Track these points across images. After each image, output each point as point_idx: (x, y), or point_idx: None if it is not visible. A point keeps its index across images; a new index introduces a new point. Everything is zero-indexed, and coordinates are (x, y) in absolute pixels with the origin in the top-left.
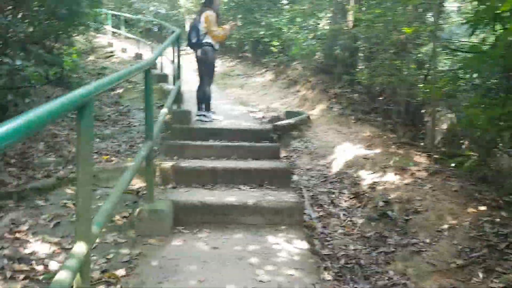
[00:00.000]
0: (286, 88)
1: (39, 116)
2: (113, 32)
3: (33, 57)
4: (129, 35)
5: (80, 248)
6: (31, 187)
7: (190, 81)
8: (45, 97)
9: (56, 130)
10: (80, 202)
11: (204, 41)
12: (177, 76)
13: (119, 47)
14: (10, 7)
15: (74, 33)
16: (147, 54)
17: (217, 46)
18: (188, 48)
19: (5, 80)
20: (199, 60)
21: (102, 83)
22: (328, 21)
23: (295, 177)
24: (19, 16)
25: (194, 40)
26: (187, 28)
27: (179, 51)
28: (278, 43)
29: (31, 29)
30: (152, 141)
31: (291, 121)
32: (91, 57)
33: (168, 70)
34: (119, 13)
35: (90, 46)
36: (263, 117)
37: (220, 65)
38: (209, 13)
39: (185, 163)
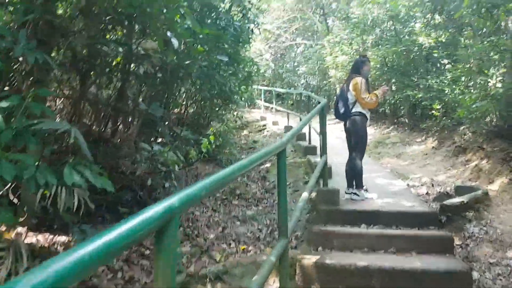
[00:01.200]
0: (453, 157)
1: (88, 255)
2: (266, 107)
3: (178, 139)
4: (280, 108)
5: None
6: None
7: (340, 152)
8: (193, 176)
9: (197, 212)
10: None
11: (353, 110)
12: (322, 151)
13: (271, 121)
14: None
15: (225, 111)
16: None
17: (368, 115)
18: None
19: (147, 165)
20: (348, 132)
21: (193, 193)
22: (501, 78)
23: (474, 274)
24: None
25: (342, 111)
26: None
27: (324, 123)
28: (439, 106)
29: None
30: (287, 239)
31: (463, 199)
32: (245, 131)
33: (317, 141)
34: (270, 88)
35: (244, 121)
36: (427, 193)
37: (374, 132)
38: (358, 80)
39: (331, 259)
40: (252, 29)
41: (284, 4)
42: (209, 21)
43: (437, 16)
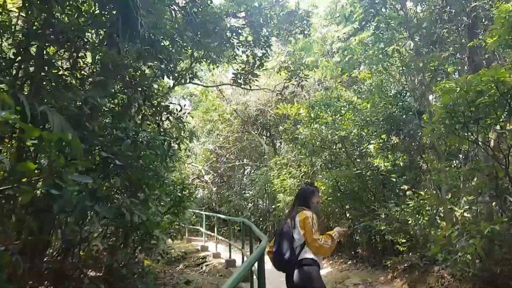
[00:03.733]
0: None
1: None
2: (208, 235)
3: None
4: (222, 238)
5: None
6: None
7: None
8: None
9: None
10: None
11: (303, 257)
12: None
13: (212, 251)
14: None
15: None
16: (240, 259)
17: (321, 263)
18: None
19: None
20: None
21: None
22: (468, 207)
23: None
24: None
25: (287, 256)
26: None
27: (262, 274)
28: (404, 240)
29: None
30: None
31: None
32: (180, 266)
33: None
34: (212, 214)
35: (181, 252)
36: None
37: (330, 269)
38: (308, 214)
39: None
40: (171, 143)
41: (230, 125)
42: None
43: (393, 137)
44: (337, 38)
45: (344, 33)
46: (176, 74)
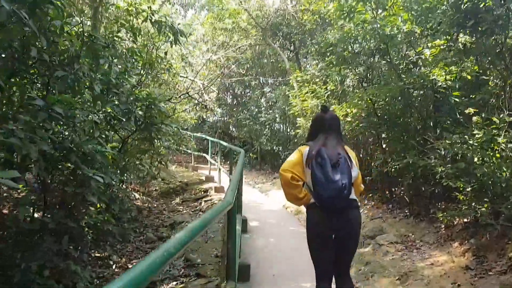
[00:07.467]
0: None
1: None
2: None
3: None
4: (223, 169)
5: None
6: None
7: None
8: None
9: None
10: None
11: (353, 197)
12: None
13: (216, 184)
14: None
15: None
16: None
17: None
18: None
19: None
20: (342, 233)
21: None
22: None
23: None
24: None
25: (345, 191)
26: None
27: None
28: (469, 185)
29: None
30: None
31: None
32: (177, 200)
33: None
34: (215, 140)
35: (182, 182)
36: None
37: None
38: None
39: None
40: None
41: (247, 36)
42: None
43: (465, 36)
44: None
45: None
46: None
